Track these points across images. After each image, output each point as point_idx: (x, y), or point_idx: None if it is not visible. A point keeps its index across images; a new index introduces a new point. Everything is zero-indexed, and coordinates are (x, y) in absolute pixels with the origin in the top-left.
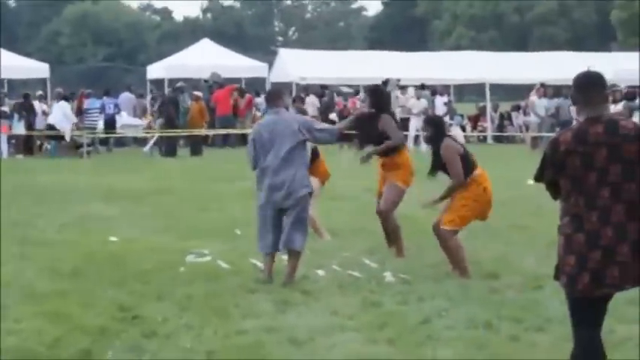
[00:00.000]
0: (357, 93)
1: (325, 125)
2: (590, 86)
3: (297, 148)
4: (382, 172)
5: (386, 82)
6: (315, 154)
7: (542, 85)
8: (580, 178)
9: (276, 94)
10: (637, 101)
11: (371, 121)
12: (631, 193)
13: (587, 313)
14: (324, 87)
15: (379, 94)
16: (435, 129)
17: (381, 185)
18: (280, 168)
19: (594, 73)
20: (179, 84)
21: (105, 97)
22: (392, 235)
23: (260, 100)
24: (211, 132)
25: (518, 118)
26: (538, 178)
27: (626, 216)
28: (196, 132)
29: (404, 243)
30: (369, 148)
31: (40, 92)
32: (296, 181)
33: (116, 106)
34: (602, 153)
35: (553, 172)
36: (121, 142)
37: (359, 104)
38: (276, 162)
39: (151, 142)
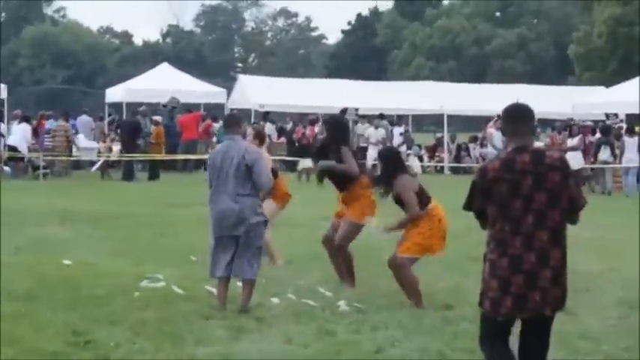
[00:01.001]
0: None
1: (267, 170)
2: (518, 118)
3: (247, 175)
4: (341, 204)
5: (344, 111)
6: (274, 174)
7: (500, 117)
8: (506, 205)
9: (234, 121)
10: (596, 136)
11: (328, 152)
12: (555, 221)
13: (500, 334)
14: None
15: (337, 126)
16: (388, 164)
17: (337, 215)
18: (229, 196)
19: (522, 105)
20: (142, 108)
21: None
22: (343, 266)
23: (218, 125)
24: (169, 157)
25: (475, 150)
26: (467, 206)
27: (550, 242)
28: (152, 157)
29: (356, 273)
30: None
31: None
32: (246, 209)
33: (73, 127)
34: (528, 181)
35: (481, 200)
36: (78, 165)
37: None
38: (226, 189)
39: (98, 164)
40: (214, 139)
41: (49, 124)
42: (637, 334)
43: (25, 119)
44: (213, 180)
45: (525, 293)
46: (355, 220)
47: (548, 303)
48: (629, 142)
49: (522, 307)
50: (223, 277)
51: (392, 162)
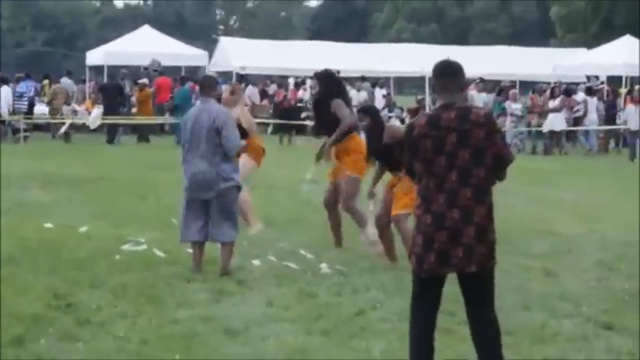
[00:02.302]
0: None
1: (235, 134)
2: (445, 74)
3: (219, 140)
4: (335, 160)
5: None
6: (245, 133)
7: (482, 79)
8: (431, 162)
9: (209, 84)
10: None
11: (323, 108)
12: (479, 178)
13: (427, 293)
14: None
15: (329, 80)
16: (372, 118)
17: (331, 175)
18: (201, 158)
19: (451, 62)
20: (123, 71)
21: (25, 81)
22: (359, 223)
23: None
24: (150, 120)
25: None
26: (403, 162)
27: (473, 199)
28: (137, 120)
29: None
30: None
31: None
32: (217, 173)
33: (35, 89)
34: (452, 138)
35: (409, 156)
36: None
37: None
38: (197, 152)
39: (64, 127)
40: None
41: (20, 87)
42: (616, 296)
43: (4, 81)
44: (186, 142)
45: (448, 250)
46: (353, 174)
47: (473, 260)
48: (591, 102)
49: (445, 264)
50: (197, 242)
51: (374, 116)
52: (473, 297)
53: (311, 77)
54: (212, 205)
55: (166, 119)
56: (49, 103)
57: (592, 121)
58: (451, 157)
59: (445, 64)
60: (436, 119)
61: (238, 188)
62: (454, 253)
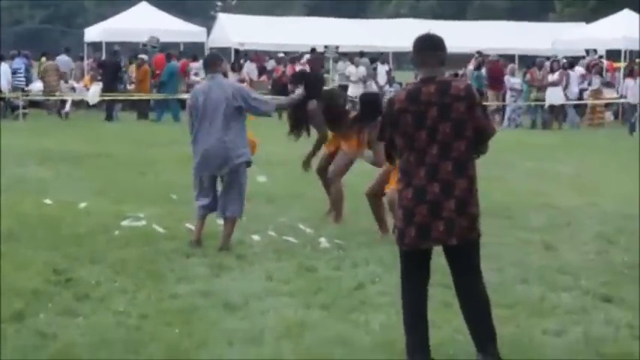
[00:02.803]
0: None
1: (262, 97)
2: (425, 48)
3: (232, 115)
4: (334, 140)
5: (313, 50)
6: None
7: (480, 54)
8: (411, 136)
9: (215, 60)
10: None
11: (302, 107)
12: (460, 151)
13: (413, 266)
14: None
15: (309, 80)
16: (367, 109)
17: (329, 151)
18: (214, 135)
19: (432, 36)
20: (116, 48)
21: (19, 57)
22: (331, 200)
23: (197, 64)
24: (146, 97)
25: None
26: (380, 137)
27: (454, 173)
28: (135, 97)
29: (344, 209)
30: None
31: None
32: (231, 149)
33: (26, 66)
34: (433, 112)
35: (390, 131)
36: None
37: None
38: (211, 129)
39: (67, 105)
40: (197, 77)
41: (15, 64)
42: (615, 268)
43: (2, 58)
44: (196, 120)
45: (429, 223)
46: (348, 151)
47: (454, 233)
48: (573, 76)
49: (426, 237)
50: (202, 215)
51: (371, 107)
52: (458, 269)
53: (308, 52)
54: (224, 180)
55: (167, 96)
56: (41, 81)
57: (573, 94)
58: (432, 131)
59: (425, 38)
60: (416, 93)
61: (248, 163)
62: (435, 226)
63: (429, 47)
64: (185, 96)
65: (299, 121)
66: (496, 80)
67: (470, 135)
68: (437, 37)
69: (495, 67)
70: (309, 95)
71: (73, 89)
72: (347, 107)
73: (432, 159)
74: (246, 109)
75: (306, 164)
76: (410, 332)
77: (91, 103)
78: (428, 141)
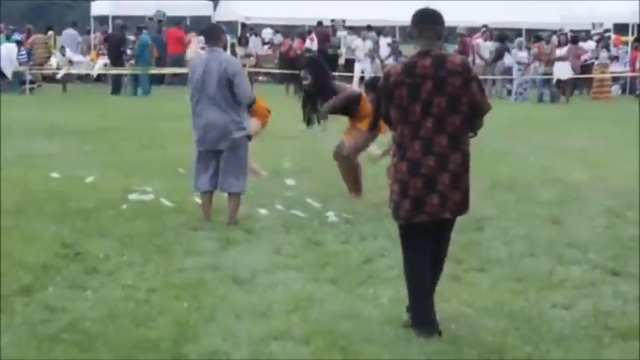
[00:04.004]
0: (308, 33)
1: (247, 83)
2: (423, 21)
3: (227, 88)
4: (349, 122)
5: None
6: None
7: (486, 27)
8: (406, 109)
9: (214, 33)
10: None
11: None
12: (454, 126)
13: (412, 238)
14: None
15: (318, 69)
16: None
17: (346, 132)
18: (213, 108)
19: (428, 9)
20: (118, 22)
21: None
22: (350, 176)
23: (202, 37)
24: (155, 71)
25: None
26: (376, 110)
27: (449, 147)
28: (147, 70)
29: (357, 185)
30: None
31: None
32: (230, 122)
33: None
34: (428, 85)
35: (386, 104)
36: (65, 79)
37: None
38: (210, 102)
39: (60, 73)
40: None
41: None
42: (623, 242)
43: (17, 44)
44: (195, 93)
45: (423, 197)
46: (362, 131)
47: (448, 207)
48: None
49: (420, 211)
50: (207, 192)
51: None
52: (438, 240)
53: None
54: (223, 156)
55: (172, 70)
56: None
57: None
58: (427, 104)
59: (423, 11)
60: (412, 67)
61: (249, 138)
62: (429, 200)
63: (427, 20)
64: (154, 71)
65: (312, 106)
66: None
67: (465, 110)
68: (435, 11)
69: (464, 42)
70: (318, 84)
71: (70, 62)
72: (359, 91)
73: (427, 132)
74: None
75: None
76: (415, 302)
77: (94, 75)
78: (422, 114)
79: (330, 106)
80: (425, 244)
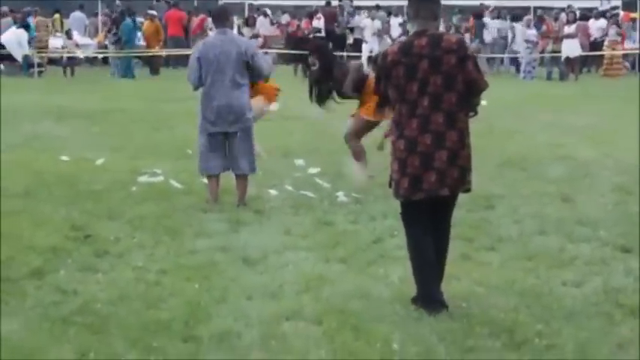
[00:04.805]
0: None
1: (266, 57)
2: (419, 2)
3: (244, 71)
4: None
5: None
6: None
7: (495, 6)
8: (403, 88)
9: (223, 14)
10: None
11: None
12: (450, 103)
13: (413, 215)
14: None
15: (324, 54)
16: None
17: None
18: (228, 90)
19: None
20: (117, 3)
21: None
22: (355, 157)
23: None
24: (164, 52)
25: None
26: (376, 90)
27: (445, 125)
28: (148, 52)
29: (365, 165)
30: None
31: None
32: (243, 105)
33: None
34: (424, 64)
35: (384, 83)
36: (73, 61)
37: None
38: (224, 84)
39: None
40: (211, 32)
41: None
42: (633, 219)
43: (25, 27)
44: (208, 75)
45: (421, 174)
46: (365, 116)
47: (446, 184)
48: (517, 27)
49: (418, 188)
50: (215, 174)
51: None
52: (438, 216)
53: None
54: (234, 137)
55: (180, 51)
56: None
57: (519, 47)
58: (423, 83)
59: None
60: (408, 46)
61: (253, 118)
62: (427, 177)
63: (423, 0)
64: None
65: (322, 92)
66: None
67: (460, 88)
68: None
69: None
70: (325, 69)
71: (77, 45)
72: (365, 72)
73: (424, 110)
74: (251, 66)
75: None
76: (420, 277)
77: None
78: (419, 93)
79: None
80: (425, 220)
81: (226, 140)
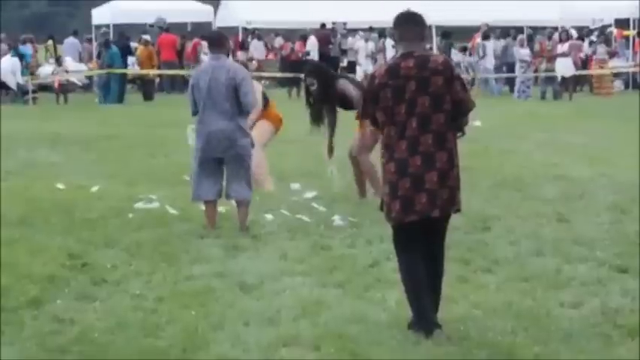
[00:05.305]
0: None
1: (253, 91)
2: (404, 24)
3: (237, 96)
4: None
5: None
6: (265, 99)
7: (487, 25)
8: (392, 110)
9: (219, 40)
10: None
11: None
12: (439, 124)
13: (404, 239)
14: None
15: (322, 73)
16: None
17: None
18: (220, 116)
19: (410, 12)
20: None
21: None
22: (364, 176)
23: (205, 43)
24: (156, 72)
25: (464, 60)
26: (364, 113)
27: (435, 145)
28: (141, 73)
29: (380, 183)
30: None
31: None
32: (237, 130)
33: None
34: (412, 86)
35: (372, 106)
36: (67, 88)
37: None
38: (216, 110)
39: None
40: (206, 57)
41: (22, 50)
42: (629, 238)
43: (19, 56)
44: (200, 101)
45: (412, 196)
46: (370, 129)
47: (437, 205)
48: (488, 45)
49: (410, 210)
50: (210, 200)
51: None
52: (430, 238)
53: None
54: (229, 163)
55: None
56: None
57: (487, 69)
58: (411, 104)
59: (404, 15)
60: (395, 68)
61: (252, 144)
62: (418, 199)
63: (408, 23)
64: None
65: (320, 113)
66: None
67: (448, 108)
68: (416, 14)
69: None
70: (324, 89)
71: (66, 72)
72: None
73: (412, 132)
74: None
75: (330, 151)
76: (414, 301)
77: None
78: (407, 114)
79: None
80: (417, 244)
81: (221, 166)
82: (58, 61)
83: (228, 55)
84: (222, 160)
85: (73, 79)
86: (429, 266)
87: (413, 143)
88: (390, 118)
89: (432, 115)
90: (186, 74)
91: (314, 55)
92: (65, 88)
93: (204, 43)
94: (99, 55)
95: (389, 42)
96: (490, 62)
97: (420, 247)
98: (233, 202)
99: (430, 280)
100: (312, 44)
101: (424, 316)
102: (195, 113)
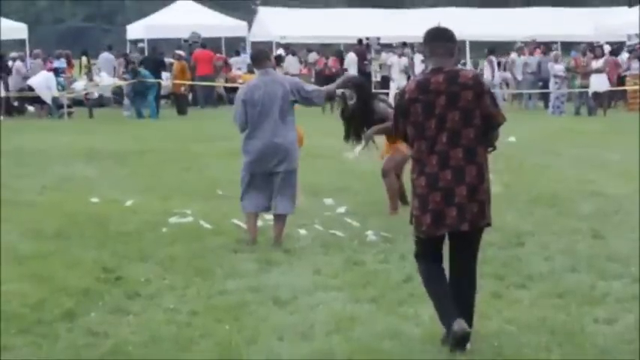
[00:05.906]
0: (340, 53)
1: (313, 87)
2: (434, 40)
3: (289, 110)
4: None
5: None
6: None
7: (523, 42)
8: (422, 125)
9: (263, 55)
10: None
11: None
12: (469, 138)
13: (431, 251)
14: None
15: (363, 89)
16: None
17: (385, 150)
18: (275, 130)
19: (440, 28)
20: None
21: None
22: (389, 193)
23: (239, 59)
24: (189, 83)
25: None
26: (394, 128)
27: (464, 159)
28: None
29: (398, 202)
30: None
31: (13, 53)
32: (291, 144)
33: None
34: (442, 101)
35: (402, 121)
36: (102, 102)
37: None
38: (270, 124)
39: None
40: (239, 72)
41: (56, 64)
42: None
43: (55, 70)
44: (254, 116)
45: (442, 210)
46: (404, 149)
47: (466, 219)
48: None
49: (440, 224)
50: (253, 212)
51: None
52: (460, 253)
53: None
54: (279, 177)
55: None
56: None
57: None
58: (441, 119)
59: (434, 30)
60: (425, 83)
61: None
62: (448, 213)
63: (438, 39)
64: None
65: (357, 127)
66: None
67: (478, 123)
68: (446, 30)
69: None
70: (361, 105)
71: (97, 86)
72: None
73: (443, 146)
74: (301, 101)
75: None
76: (442, 310)
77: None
78: (438, 129)
79: (376, 131)
80: (440, 257)
81: (270, 179)
82: (88, 75)
83: (274, 68)
84: (272, 174)
85: (107, 93)
86: (460, 282)
87: (443, 158)
88: (421, 133)
89: (462, 130)
90: (218, 86)
91: (352, 72)
92: (97, 102)
93: (238, 59)
94: (127, 68)
95: (417, 57)
96: (519, 77)
97: (441, 257)
98: (267, 216)
99: (462, 297)
100: (352, 60)
101: (452, 321)
102: (244, 129)
